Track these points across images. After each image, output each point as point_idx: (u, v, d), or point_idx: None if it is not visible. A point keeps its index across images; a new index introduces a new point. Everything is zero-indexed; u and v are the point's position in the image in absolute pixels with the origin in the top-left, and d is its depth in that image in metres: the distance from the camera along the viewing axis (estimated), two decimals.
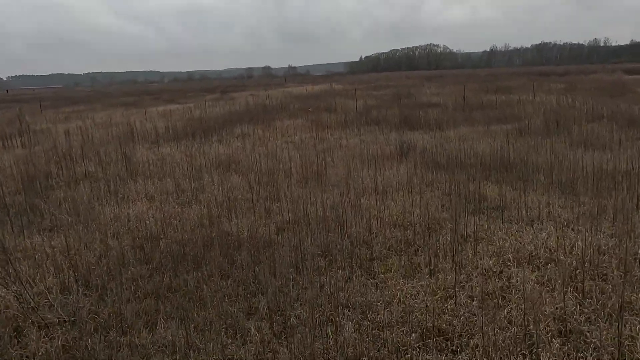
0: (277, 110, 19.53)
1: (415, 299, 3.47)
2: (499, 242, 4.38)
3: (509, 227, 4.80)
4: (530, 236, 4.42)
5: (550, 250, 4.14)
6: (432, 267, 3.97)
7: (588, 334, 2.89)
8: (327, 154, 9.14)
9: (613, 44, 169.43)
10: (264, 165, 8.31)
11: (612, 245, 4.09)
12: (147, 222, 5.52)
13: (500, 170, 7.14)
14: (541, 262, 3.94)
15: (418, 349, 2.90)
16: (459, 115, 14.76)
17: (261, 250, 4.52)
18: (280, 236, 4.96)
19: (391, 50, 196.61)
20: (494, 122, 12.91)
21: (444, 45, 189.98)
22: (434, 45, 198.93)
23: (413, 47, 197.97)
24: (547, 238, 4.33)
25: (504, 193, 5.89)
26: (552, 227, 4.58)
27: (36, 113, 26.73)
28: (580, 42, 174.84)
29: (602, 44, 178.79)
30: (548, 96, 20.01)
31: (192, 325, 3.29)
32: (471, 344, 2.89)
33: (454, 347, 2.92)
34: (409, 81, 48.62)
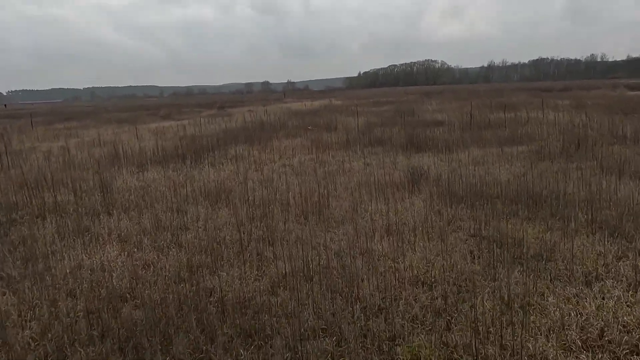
0: (275, 128, 18.70)
1: None
2: (554, 312, 3.41)
3: (562, 288, 3.83)
4: (594, 305, 3.46)
5: (624, 327, 3.18)
6: (475, 355, 2.99)
7: None
8: (329, 181, 8.22)
9: (610, 60, 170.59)
10: (258, 195, 7.37)
11: None
12: (114, 274, 4.55)
13: (529, 203, 6.20)
14: (620, 349, 2.96)
15: None
16: (468, 135, 13.91)
17: (250, 320, 3.55)
18: (274, 296, 3.99)
19: (389, 66, 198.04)
20: (507, 143, 12.04)
21: (441, 60, 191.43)
22: (432, 60, 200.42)
23: (411, 62, 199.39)
24: (617, 309, 3.37)
25: (543, 236, 4.95)
26: (619, 291, 3.63)
27: (26, 130, 25.87)
28: (577, 58, 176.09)
29: (599, 59, 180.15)
30: (557, 113, 19.25)
31: None
32: None
33: None
34: (408, 97, 48.15)
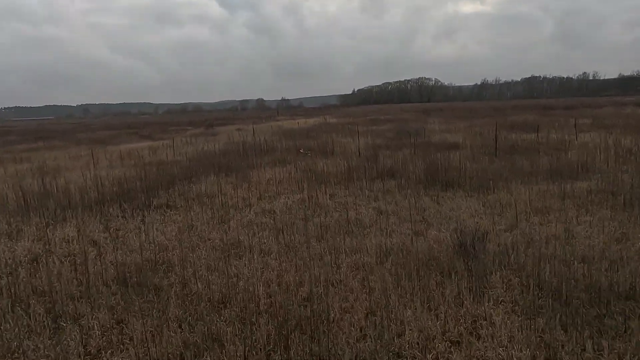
0: (261, 152, 15.82)
1: None
2: None
3: None
4: None
5: None
6: None
7: None
8: (327, 247, 5.29)
9: (602, 78, 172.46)
10: (204, 283, 4.40)
11: None
12: None
13: None
14: None
15: None
16: (498, 164, 11.11)
17: None
18: None
19: (383, 83, 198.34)
20: (556, 175, 9.23)
21: (435, 78, 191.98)
22: (425, 78, 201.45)
23: (405, 80, 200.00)
24: None
25: None
26: None
27: None
28: (569, 76, 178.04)
29: (591, 78, 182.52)
30: (589, 135, 16.60)
31: None
32: None
33: None
34: (406, 115, 45.68)
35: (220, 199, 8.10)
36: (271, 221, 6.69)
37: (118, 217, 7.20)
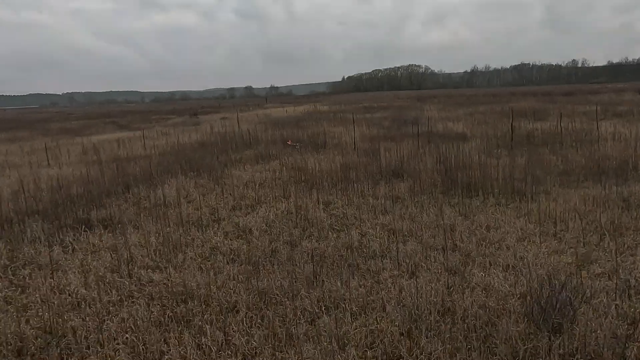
0: (243, 144, 13.90)
1: None
2: None
3: None
4: None
5: None
6: None
7: None
8: (329, 308, 3.52)
9: (590, 65, 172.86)
10: None
11: None
12: None
13: None
14: None
15: None
16: (520, 158, 9.39)
17: None
18: None
19: (373, 71, 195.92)
20: (598, 174, 7.53)
21: (425, 65, 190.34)
22: (415, 65, 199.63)
23: (395, 67, 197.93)
24: None
25: None
26: None
27: None
28: (559, 63, 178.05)
29: (580, 65, 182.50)
30: (609, 124, 14.96)
31: None
32: None
33: None
34: (400, 102, 43.82)
35: (180, 212, 6.22)
36: (244, 247, 4.86)
37: (36, 241, 5.29)
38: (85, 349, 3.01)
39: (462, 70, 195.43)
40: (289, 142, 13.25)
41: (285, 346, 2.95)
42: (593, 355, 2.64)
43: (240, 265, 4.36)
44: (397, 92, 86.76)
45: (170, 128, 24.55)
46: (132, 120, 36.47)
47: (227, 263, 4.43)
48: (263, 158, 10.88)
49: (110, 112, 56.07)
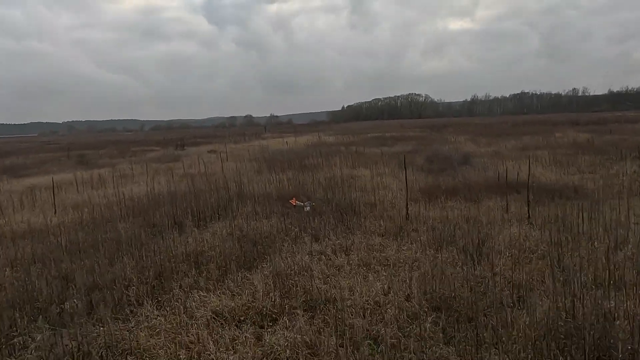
0: (218, 206, 8.68)
1: None
2: None
3: None
4: None
5: None
6: None
7: None
8: None
9: (591, 94, 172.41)
10: None
11: None
12: None
13: None
14: None
15: None
16: None
17: None
18: None
19: (373, 99, 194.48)
20: None
21: (425, 94, 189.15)
22: (415, 94, 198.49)
23: (395, 96, 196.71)
24: None
25: None
26: None
27: None
28: (558, 92, 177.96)
29: (580, 94, 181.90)
30: None
31: None
32: None
33: None
34: (413, 132, 38.88)
35: None
36: None
37: None
38: None
39: (461, 99, 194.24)
40: (293, 202, 8.01)
41: None
42: None
43: None
44: (400, 121, 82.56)
45: (141, 165, 19.35)
46: (107, 152, 31.43)
47: None
48: (245, 255, 5.52)
49: (95, 142, 51.15)
